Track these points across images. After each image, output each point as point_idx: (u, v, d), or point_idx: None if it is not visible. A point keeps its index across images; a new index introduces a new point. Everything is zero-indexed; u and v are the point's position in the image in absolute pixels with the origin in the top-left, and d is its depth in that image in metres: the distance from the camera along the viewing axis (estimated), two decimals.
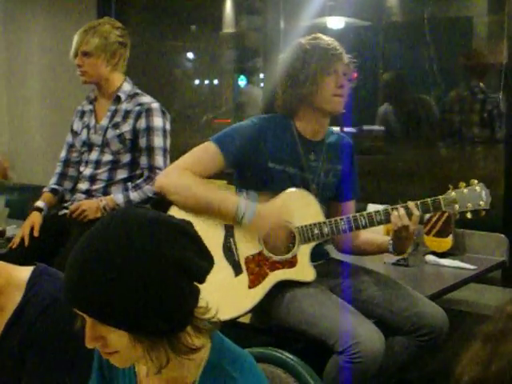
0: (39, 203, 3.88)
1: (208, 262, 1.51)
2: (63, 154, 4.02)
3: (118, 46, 3.77)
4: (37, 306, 1.95)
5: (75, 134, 3.93)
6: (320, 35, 2.97)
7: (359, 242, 3.09)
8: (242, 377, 1.55)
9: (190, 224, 1.53)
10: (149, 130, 3.69)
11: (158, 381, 1.61)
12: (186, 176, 2.84)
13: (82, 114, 3.94)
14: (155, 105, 3.75)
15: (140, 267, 1.39)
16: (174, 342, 1.47)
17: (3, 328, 1.99)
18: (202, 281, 1.50)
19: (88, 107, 3.92)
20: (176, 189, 2.85)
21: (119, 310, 1.39)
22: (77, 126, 3.94)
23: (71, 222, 3.66)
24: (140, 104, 3.74)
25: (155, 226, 1.45)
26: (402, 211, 2.79)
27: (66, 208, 3.78)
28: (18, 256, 3.52)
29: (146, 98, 3.78)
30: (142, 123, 3.69)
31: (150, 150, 3.69)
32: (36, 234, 3.70)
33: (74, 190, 3.90)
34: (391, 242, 2.93)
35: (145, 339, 1.44)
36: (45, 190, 3.99)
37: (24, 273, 2.03)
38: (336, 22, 4.85)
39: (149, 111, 3.71)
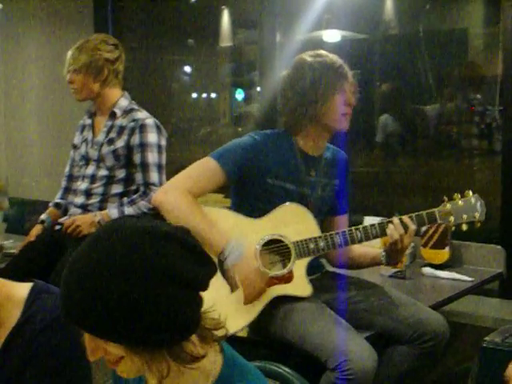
0: (43, 216, 3.96)
1: (205, 267, 1.49)
2: (67, 168, 4.04)
3: (105, 63, 3.74)
4: (36, 324, 1.95)
5: (75, 147, 3.95)
6: (323, 52, 2.96)
7: (353, 256, 3.10)
8: None
9: (183, 231, 1.51)
10: (143, 146, 3.68)
11: None
12: (184, 199, 2.81)
13: (83, 128, 3.95)
14: (149, 121, 3.73)
15: (127, 280, 1.38)
16: (175, 351, 1.45)
17: (1, 345, 1.99)
18: (201, 288, 1.48)
19: (88, 121, 3.93)
20: (172, 210, 2.82)
21: (109, 323, 1.38)
22: (77, 140, 3.96)
23: (67, 236, 3.66)
24: (134, 120, 3.72)
25: (142, 236, 1.43)
26: (397, 224, 2.80)
27: (61, 224, 3.79)
28: (15, 270, 3.53)
29: (142, 114, 3.76)
30: (135, 139, 3.68)
31: (144, 166, 3.68)
32: (31, 238, 3.80)
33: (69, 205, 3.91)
34: (384, 253, 2.94)
35: (141, 351, 1.43)
36: (50, 204, 4.03)
37: (23, 290, 2.02)
38: (332, 36, 4.87)
39: (143, 127, 3.69)
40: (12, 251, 4.12)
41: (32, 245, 3.82)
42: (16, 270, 3.55)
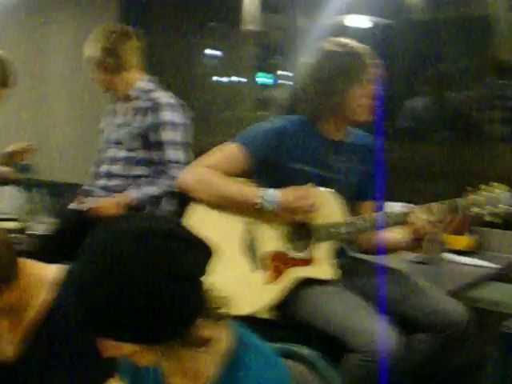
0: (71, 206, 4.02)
1: (201, 255, 1.51)
2: (96, 154, 4.07)
3: (103, 54, 3.77)
4: (64, 306, 1.98)
5: (101, 132, 4.00)
6: (346, 40, 2.90)
7: (376, 241, 3.09)
8: (262, 370, 1.56)
9: (180, 227, 1.53)
10: (157, 125, 3.69)
11: (181, 374, 1.63)
12: (207, 172, 2.86)
13: (108, 112, 4.01)
14: (165, 99, 3.74)
15: (130, 282, 1.39)
16: (186, 338, 1.49)
17: (32, 326, 2.03)
18: (201, 275, 1.50)
19: (112, 106, 3.99)
20: (198, 185, 2.88)
21: (117, 325, 1.41)
22: (102, 124, 4.01)
23: (90, 219, 3.69)
24: (150, 100, 3.74)
25: (139, 236, 1.44)
26: (421, 212, 2.80)
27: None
28: (42, 250, 3.56)
29: (157, 94, 3.77)
30: (149, 119, 3.71)
31: (159, 144, 3.70)
32: None
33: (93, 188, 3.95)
34: (407, 240, 2.94)
35: (153, 345, 1.47)
36: (79, 191, 4.08)
37: (51, 271, 2.06)
38: (355, 21, 4.86)
39: (156, 107, 3.71)
40: (37, 233, 4.15)
41: (60, 229, 3.90)
42: (45, 252, 3.58)
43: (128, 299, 1.39)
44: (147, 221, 1.50)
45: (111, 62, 3.78)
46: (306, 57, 2.97)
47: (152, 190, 3.68)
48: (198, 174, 2.88)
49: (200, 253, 1.51)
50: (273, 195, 2.78)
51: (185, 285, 1.44)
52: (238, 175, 2.96)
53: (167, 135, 3.68)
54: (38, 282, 2.04)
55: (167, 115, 3.70)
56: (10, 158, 4.12)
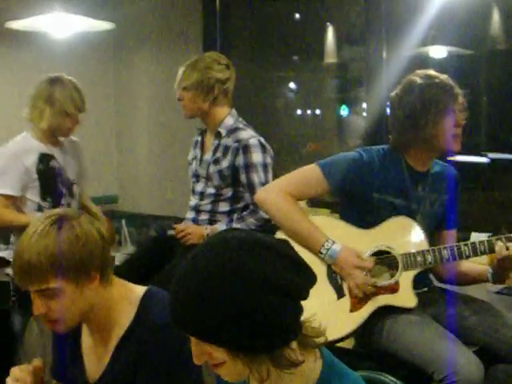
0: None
1: (306, 278, 1.56)
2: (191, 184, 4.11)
3: (216, 82, 3.76)
4: (149, 324, 2.05)
5: (189, 164, 4.04)
6: (433, 73, 2.94)
7: (459, 271, 3.08)
8: None
9: (285, 243, 1.59)
10: (248, 166, 3.70)
11: None
12: (284, 199, 2.90)
13: (195, 144, 4.02)
14: (253, 140, 3.73)
15: (232, 288, 1.46)
16: (276, 356, 1.52)
17: (117, 341, 2.09)
18: (301, 297, 1.55)
19: (198, 138, 4.00)
20: (272, 207, 2.94)
21: (216, 329, 1.47)
22: (190, 156, 4.03)
23: (177, 243, 3.79)
24: (238, 140, 3.73)
25: (245, 246, 1.51)
26: (506, 241, 2.78)
27: (174, 229, 3.90)
28: (127, 270, 3.63)
29: (245, 133, 3.77)
30: (240, 160, 3.70)
31: (250, 186, 3.70)
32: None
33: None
34: (491, 271, 2.92)
35: (244, 355, 1.51)
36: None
37: (138, 291, 2.14)
38: (438, 51, 4.85)
39: (246, 148, 3.70)
40: (117, 263, 4.23)
41: (146, 249, 4.01)
42: (128, 269, 3.68)
43: (229, 303, 1.46)
44: (261, 235, 1.58)
45: (218, 93, 3.79)
46: (394, 90, 2.98)
47: (240, 227, 3.69)
48: (278, 200, 2.92)
49: (306, 276, 1.57)
50: (336, 252, 2.82)
51: (285, 301, 1.50)
52: (319, 204, 2.99)
53: (259, 177, 3.69)
54: (125, 298, 2.11)
55: (258, 157, 3.71)
56: None
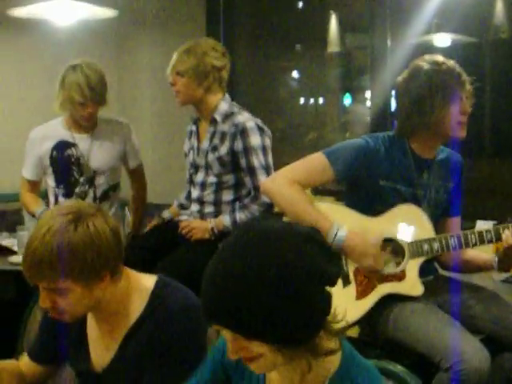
0: (165, 213, 4.08)
1: (337, 266, 1.56)
2: (187, 173, 4.04)
3: (212, 69, 3.71)
4: (160, 315, 2.04)
5: (185, 155, 3.99)
6: (440, 58, 2.92)
7: (464, 259, 3.07)
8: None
9: (317, 231, 1.57)
10: (247, 150, 3.64)
11: (284, 382, 1.65)
12: (290, 187, 2.88)
13: (190, 134, 3.96)
14: (250, 123, 3.66)
15: (274, 280, 1.44)
16: (312, 347, 1.52)
17: (126, 332, 2.09)
18: (332, 285, 1.55)
19: (193, 128, 3.94)
20: (278, 197, 2.92)
21: (258, 323, 1.45)
22: (186, 147, 3.99)
23: (180, 235, 3.76)
24: (235, 124, 3.67)
25: (283, 237, 1.49)
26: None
27: (177, 221, 3.89)
28: (131, 252, 3.56)
29: (242, 117, 3.70)
30: (239, 145, 3.64)
31: (251, 170, 3.65)
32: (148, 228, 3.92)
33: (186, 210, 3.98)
34: (496, 259, 2.91)
35: (285, 349, 1.50)
36: (174, 204, 4.12)
37: (149, 282, 2.12)
38: (442, 39, 4.84)
39: (244, 131, 3.63)
40: None
41: (148, 234, 3.98)
42: (132, 252, 3.58)
43: (273, 296, 1.44)
44: (292, 225, 1.57)
45: (213, 80, 3.74)
46: (400, 75, 2.97)
47: (244, 216, 3.66)
48: (283, 189, 2.90)
49: (338, 264, 1.59)
50: (343, 238, 2.80)
51: (323, 290, 1.52)
52: (324, 192, 2.98)
53: (259, 160, 3.64)
54: (136, 289, 2.10)
55: (257, 140, 3.65)
56: None
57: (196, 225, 3.75)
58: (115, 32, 6.03)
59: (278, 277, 1.44)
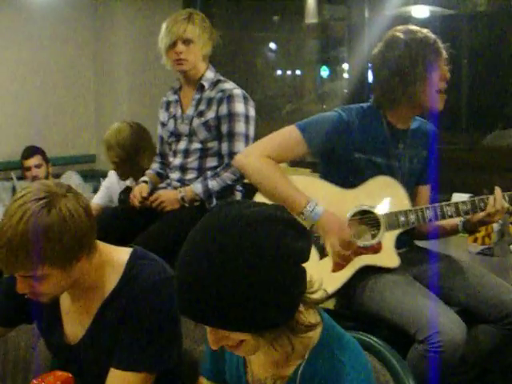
0: (145, 178, 3.96)
1: (306, 240, 1.52)
2: (158, 147, 4.06)
3: (211, 36, 3.79)
4: (134, 287, 2.02)
5: (163, 125, 3.97)
6: (415, 27, 2.89)
7: (433, 226, 3.07)
8: (350, 362, 1.58)
9: (283, 209, 1.54)
10: (230, 115, 3.67)
11: (264, 358, 1.66)
12: (264, 161, 2.86)
13: (168, 104, 3.95)
14: (237, 91, 3.72)
15: (244, 271, 1.40)
16: (292, 325, 1.51)
17: (100, 305, 2.07)
18: (305, 261, 1.52)
19: (173, 97, 3.93)
20: (253, 171, 2.88)
21: (235, 316, 1.42)
22: (163, 117, 3.97)
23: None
24: (222, 90, 3.72)
25: (248, 223, 1.45)
26: (498, 199, 2.79)
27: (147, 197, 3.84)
28: (107, 226, 3.52)
29: (229, 85, 3.77)
30: (223, 109, 3.68)
31: (230, 135, 3.67)
32: (144, 194, 3.81)
33: (166, 179, 3.94)
34: (463, 219, 2.92)
35: (266, 333, 1.48)
36: (150, 171, 4.05)
37: (122, 255, 2.11)
38: (420, 11, 4.83)
39: (230, 97, 3.68)
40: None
41: (123, 208, 3.96)
42: (108, 226, 3.55)
43: (247, 285, 1.40)
44: (258, 207, 1.52)
45: (209, 45, 3.79)
46: (376, 46, 2.93)
47: (216, 184, 3.65)
48: (258, 163, 2.87)
49: (308, 239, 1.53)
50: (319, 214, 2.78)
51: (295, 269, 1.48)
52: (300, 164, 2.96)
53: (240, 127, 3.67)
54: (110, 263, 2.08)
55: (241, 107, 3.69)
56: None
57: (165, 197, 3.72)
58: (90, 2, 5.98)
59: (248, 267, 1.41)
